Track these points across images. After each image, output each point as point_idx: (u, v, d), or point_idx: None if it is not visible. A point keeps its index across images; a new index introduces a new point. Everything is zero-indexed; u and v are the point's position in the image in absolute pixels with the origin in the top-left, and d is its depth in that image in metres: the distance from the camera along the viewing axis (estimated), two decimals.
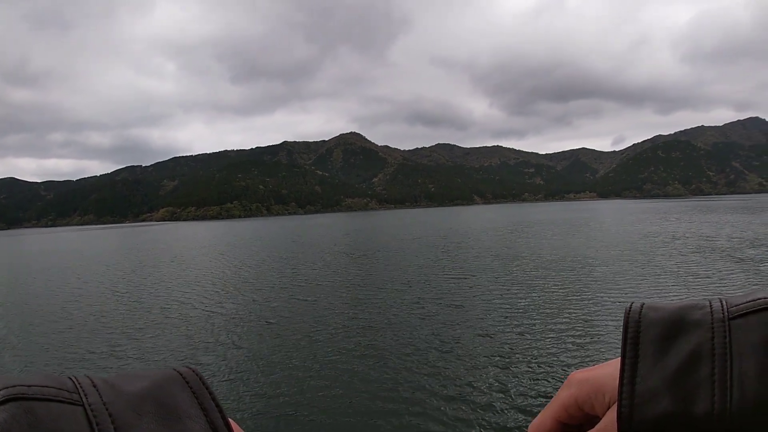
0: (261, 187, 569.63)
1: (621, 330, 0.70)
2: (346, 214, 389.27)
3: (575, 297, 23.71)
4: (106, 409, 0.53)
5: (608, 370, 0.73)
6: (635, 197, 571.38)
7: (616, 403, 0.67)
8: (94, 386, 0.55)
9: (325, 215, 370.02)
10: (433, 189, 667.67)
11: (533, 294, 24.82)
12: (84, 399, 0.53)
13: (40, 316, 25.97)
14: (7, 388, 0.50)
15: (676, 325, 0.68)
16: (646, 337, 0.69)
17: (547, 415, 0.79)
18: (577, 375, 0.76)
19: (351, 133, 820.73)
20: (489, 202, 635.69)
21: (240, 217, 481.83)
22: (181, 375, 0.62)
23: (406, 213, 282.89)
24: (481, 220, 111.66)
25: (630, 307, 0.72)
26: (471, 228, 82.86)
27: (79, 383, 0.55)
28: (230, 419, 0.61)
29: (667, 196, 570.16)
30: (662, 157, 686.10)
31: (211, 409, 0.59)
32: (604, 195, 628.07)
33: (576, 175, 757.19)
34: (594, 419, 0.74)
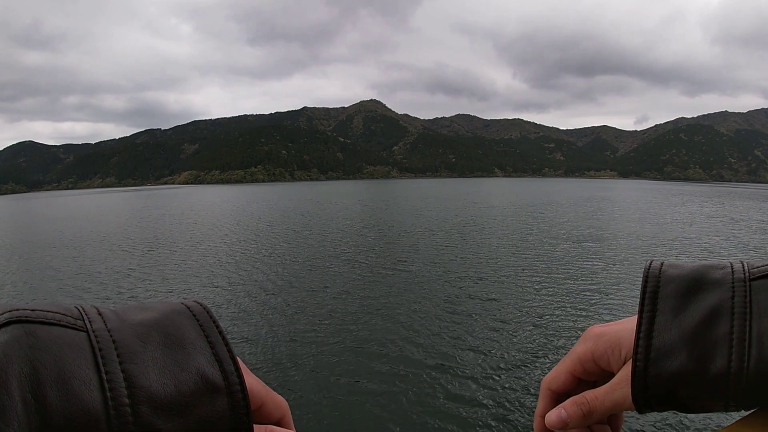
0: (284, 152, 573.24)
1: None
2: (369, 181, 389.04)
3: None
4: (110, 336, 0.53)
5: (626, 326, 0.72)
6: (655, 178, 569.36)
7: (632, 358, 0.67)
8: (100, 314, 0.56)
9: (348, 182, 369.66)
10: (453, 159, 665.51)
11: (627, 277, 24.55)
12: (88, 325, 0.53)
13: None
14: (10, 311, 0.50)
15: (695, 282, 0.68)
16: (665, 292, 0.69)
17: (562, 368, 0.79)
18: (595, 329, 0.76)
19: (371, 100, 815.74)
20: (510, 175, 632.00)
21: (264, 181, 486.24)
22: (188, 308, 0.62)
23: (432, 182, 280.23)
24: (532, 194, 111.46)
25: (650, 264, 0.72)
26: (536, 201, 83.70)
27: (84, 311, 0.55)
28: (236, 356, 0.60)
29: (687, 179, 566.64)
30: (684, 140, 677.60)
31: (217, 342, 0.59)
32: (624, 174, 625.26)
33: (596, 153, 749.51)
34: (609, 375, 0.74)
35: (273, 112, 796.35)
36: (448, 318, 17.19)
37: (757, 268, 0.66)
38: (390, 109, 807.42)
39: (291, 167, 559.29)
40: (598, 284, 22.13)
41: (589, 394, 0.73)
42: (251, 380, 0.63)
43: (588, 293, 20.55)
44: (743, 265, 0.68)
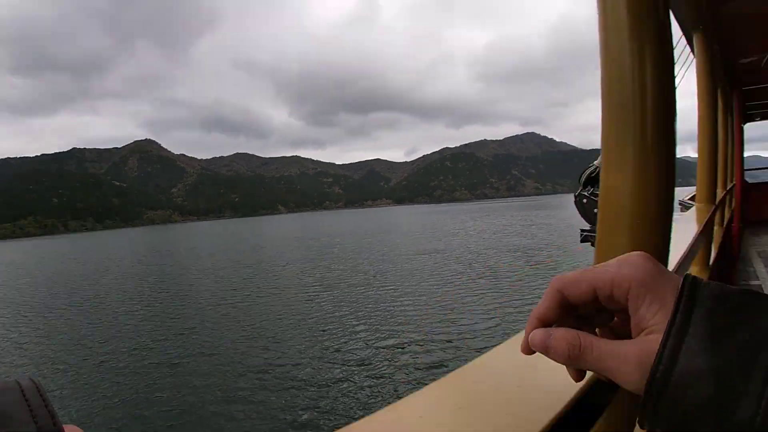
0: (54, 200, 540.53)
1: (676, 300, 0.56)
2: (149, 228, 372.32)
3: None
4: None
5: (669, 292, 0.58)
6: (427, 203, 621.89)
7: (650, 373, 0.54)
8: None
9: (126, 231, 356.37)
10: (236, 199, 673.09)
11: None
12: None
13: None
14: None
15: (736, 309, 0.54)
16: (699, 314, 0.55)
17: (586, 279, 0.62)
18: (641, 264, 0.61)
19: (146, 140, 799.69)
20: (293, 210, 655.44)
21: (36, 235, 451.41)
22: (19, 384, 0.57)
23: (217, 224, 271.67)
24: (359, 230, 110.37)
25: (692, 279, 0.57)
26: (372, 229, 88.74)
27: None
28: (72, 425, 0.56)
29: (454, 200, 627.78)
30: (450, 167, 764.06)
31: (42, 415, 0.54)
32: (399, 201, 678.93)
33: (372, 184, 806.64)
34: (603, 309, 0.64)
35: (39, 155, 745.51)
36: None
37: None
38: (166, 149, 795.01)
39: (64, 217, 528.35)
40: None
41: (587, 340, 0.61)
42: None
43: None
44: None
